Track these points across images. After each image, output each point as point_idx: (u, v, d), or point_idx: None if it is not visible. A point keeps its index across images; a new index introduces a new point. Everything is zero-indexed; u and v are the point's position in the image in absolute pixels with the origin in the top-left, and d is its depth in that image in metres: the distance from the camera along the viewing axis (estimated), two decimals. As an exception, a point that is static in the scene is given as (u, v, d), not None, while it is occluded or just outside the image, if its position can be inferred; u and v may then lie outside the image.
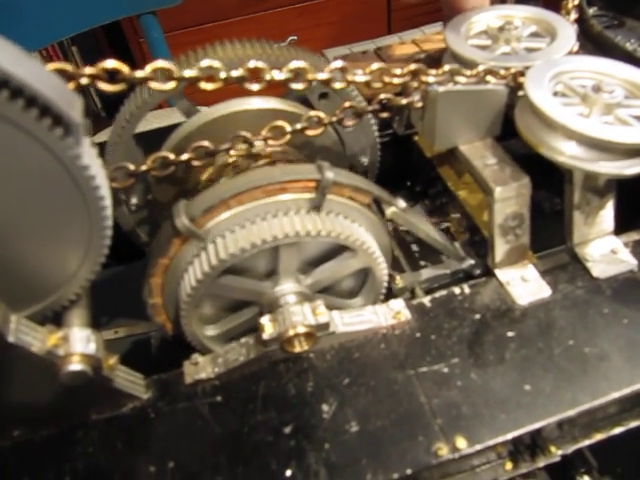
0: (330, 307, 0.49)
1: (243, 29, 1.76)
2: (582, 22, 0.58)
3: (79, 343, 0.40)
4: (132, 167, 0.46)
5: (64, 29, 1.31)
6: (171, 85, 0.40)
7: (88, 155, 0.36)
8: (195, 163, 0.47)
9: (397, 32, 1.82)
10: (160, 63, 0.39)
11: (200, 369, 0.46)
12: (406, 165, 0.69)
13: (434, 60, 0.64)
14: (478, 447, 0.41)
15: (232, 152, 0.47)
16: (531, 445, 0.47)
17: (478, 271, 0.54)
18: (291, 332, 0.43)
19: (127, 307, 0.66)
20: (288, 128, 0.48)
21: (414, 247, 0.63)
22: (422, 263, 0.62)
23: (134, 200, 0.54)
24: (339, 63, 0.44)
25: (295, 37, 1.85)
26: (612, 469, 0.63)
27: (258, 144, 0.48)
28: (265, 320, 0.45)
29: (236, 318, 0.49)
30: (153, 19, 1.39)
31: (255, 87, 0.42)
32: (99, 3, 1.31)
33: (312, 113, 0.48)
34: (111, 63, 0.38)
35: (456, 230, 0.61)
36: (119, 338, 0.65)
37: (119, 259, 0.67)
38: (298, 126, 0.48)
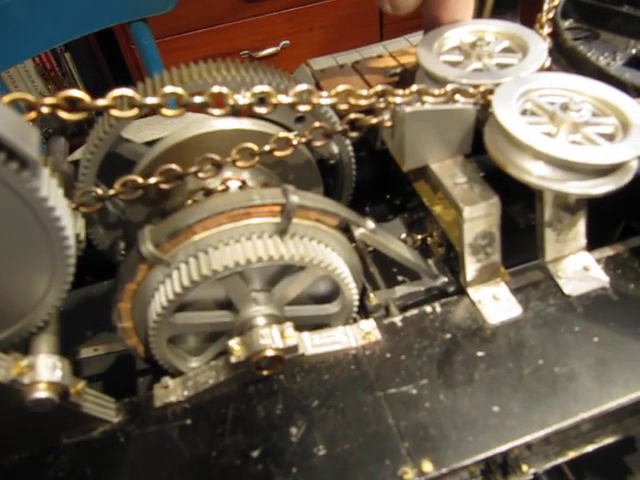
0: (304, 318, 0.49)
1: (234, 35, 1.75)
2: (556, 36, 0.58)
3: (44, 371, 0.40)
4: (100, 191, 0.46)
5: (55, 37, 1.31)
6: (133, 112, 0.40)
7: (46, 186, 0.36)
8: (163, 186, 0.47)
9: (390, 35, 1.81)
10: (121, 91, 0.40)
11: (170, 392, 0.46)
12: (385, 178, 0.70)
13: (410, 74, 0.64)
14: (444, 470, 0.41)
15: (200, 174, 0.47)
16: (502, 464, 0.47)
17: (452, 288, 0.54)
18: (259, 355, 0.43)
19: (107, 324, 0.66)
20: (257, 150, 0.47)
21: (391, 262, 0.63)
22: (400, 278, 0.63)
23: (122, 245, 0.56)
24: (304, 86, 0.44)
25: (288, 42, 1.85)
26: (592, 482, 0.63)
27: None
28: (234, 343, 0.45)
29: (217, 346, 0.49)
30: (144, 26, 1.39)
31: (217, 112, 0.42)
32: (90, 11, 1.31)
33: (281, 134, 0.48)
34: (72, 92, 0.38)
35: (434, 245, 0.61)
36: (99, 355, 0.66)
37: (97, 276, 0.67)
38: (267, 148, 0.48)
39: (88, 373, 0.65)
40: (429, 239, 0.62)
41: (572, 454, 0.50)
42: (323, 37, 1.89)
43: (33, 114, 0.39)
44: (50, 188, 0.36)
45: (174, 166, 0.47)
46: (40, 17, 1.24)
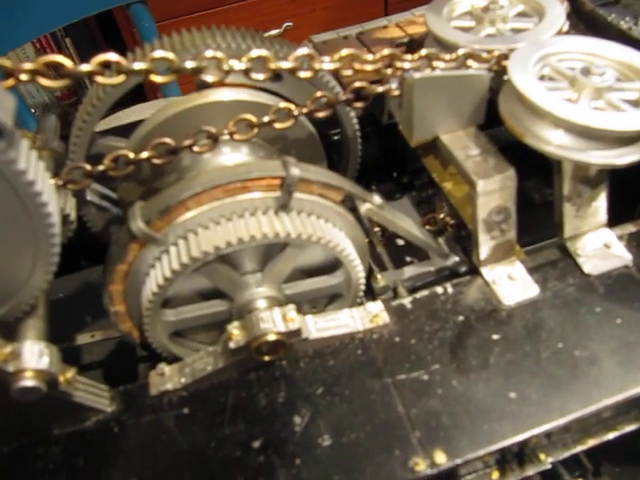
0: (306, 293, 0.46)
1: (235, 17, 1.71)
2: (573, 0, 0.54)
3: (30, 358, 0.37)
4: (88, 167, 0.43)
5: (55, 20, 1.28)
6: (120, 79, 0.37)
7: (25, 159, 0.33)
8: (156, 161, 0.44)
9: (394, 14, 1.77)
10: (107, 55, 0.37)
11: (166, 380, 0.44)
12: (392, 155, 0.66)
13: (418, 44, 0.60)
14: (458, 461, 0.38)
15: (195, 148, 0.44)
16: (519, 453, 0.45)
17: (464, 268, 0.51)
18: (260, 340, 0.41)
19: (104, 310, 0.64)
20: (255, 121, 0.44)
21: (400, 242, 0.60)
22: (408, 259, 0.60)
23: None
24: (305, 50, 0.41)
25: (291, 23, 1.81)
26: (610, 470, 0.61)
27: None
28: (233, 327, 0.42)
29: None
30: (143, 8, 1.36)
31: (210, 78, 0.39)
32: (89, -7, 1.28)
33: (282, 105, 0.45)
34: (53, 57, 0.36)
35: (444, 224, 0.58)
36: (98, 342, 0.63)
37: (93, 260, 0.64)
38: (265, 119, 0.45)
39: (87, 360, 0.63)
40: (439, 218, 0.59)
41: (592, 442, 0.47)
42: (326, 18, 1.84)
43: (11, 81, 0.36)
44: (30, 161, 0.34)
45: (167, 140, 0.44)
46: (39, 0, 1.21)
